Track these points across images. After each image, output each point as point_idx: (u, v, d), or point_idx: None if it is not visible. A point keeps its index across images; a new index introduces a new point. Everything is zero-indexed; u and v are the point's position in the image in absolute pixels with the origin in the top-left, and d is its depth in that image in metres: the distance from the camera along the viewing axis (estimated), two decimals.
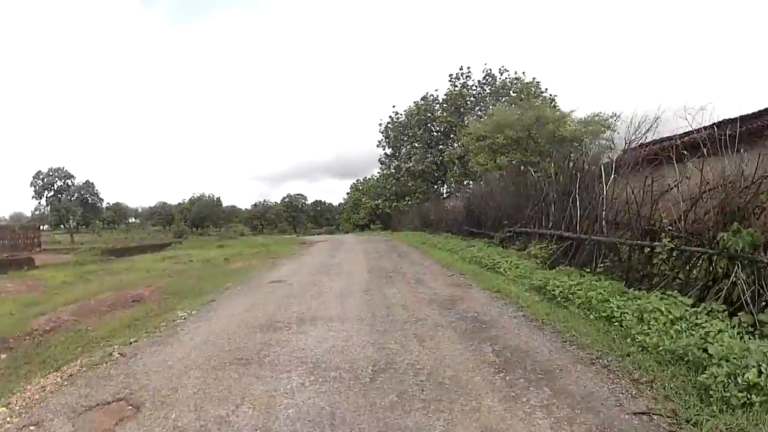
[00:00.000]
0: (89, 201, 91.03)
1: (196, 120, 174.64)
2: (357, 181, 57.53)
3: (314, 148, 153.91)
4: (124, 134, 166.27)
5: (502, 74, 42.99)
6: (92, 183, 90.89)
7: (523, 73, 41.92)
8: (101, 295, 12.01)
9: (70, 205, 77.41)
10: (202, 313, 7.90)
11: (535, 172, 22.29)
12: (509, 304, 7.47)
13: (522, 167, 23.82)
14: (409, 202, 38.56)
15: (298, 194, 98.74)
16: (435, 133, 42.10)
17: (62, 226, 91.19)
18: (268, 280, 10.93)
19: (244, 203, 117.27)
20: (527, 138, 28.96)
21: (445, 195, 39.78)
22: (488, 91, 43.13)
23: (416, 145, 40.90)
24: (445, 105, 41.65)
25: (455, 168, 36.75)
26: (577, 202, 11.55)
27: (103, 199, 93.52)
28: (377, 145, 45.74)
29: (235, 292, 9.68)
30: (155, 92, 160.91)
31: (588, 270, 9.57)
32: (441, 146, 41.71)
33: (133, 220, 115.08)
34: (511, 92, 41.42)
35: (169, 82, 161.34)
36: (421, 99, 42.47)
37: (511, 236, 15.05)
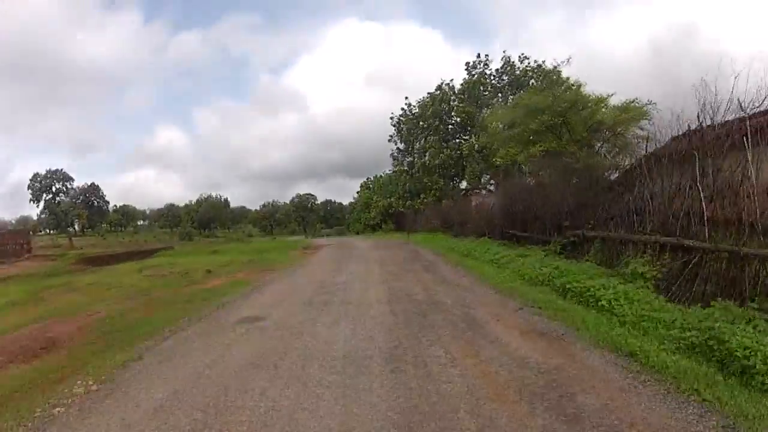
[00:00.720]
0: (95, 204, 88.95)
1: (205, 119, 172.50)
2: (367, 179, 53.65)
3: (324, 146, 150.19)
4: (132, 135, 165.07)
5: (522, 62, 38.95)
6: (97, 185, 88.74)
7: (543, 61, 37.73)
8: (23, 329, 9.02)
9: (69, 208, 75.16)
10: (86, 403, 4.31)
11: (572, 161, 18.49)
12: (686, 402, 3.62)
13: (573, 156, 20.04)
14: (425, 200, 34.64)
15: (307, 194, 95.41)
16: (451, 126, 38.19)
17: (70, 229, 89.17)
18: (238, 316, 7.21)
19: (254, 204, 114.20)
20: (561, 125, 25.08)
21: (463, 191, 35.86)
22: (506, 80, 39.12)
23: (431, 138, 36.97)
24: (461, 96, 37.74)
25: (474, 162, 32.82)
26: (700, 194, 7.63)
27: (108, 202, 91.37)
28: (389, 140, 41.87)
29: (178, 341, 6.05)
30: (166, 92, 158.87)
31: (756, 306, 5.71)
32: (458, 140, 37.85)
33: (142, 222, 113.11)
34: (531, 81, 37.40)
35: (176, 83, 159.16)
36: (436, 89, 38.57)
37: (575, 242, 11.18)
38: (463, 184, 36.52)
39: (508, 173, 33.07)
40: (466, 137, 35.73)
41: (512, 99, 36.03)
